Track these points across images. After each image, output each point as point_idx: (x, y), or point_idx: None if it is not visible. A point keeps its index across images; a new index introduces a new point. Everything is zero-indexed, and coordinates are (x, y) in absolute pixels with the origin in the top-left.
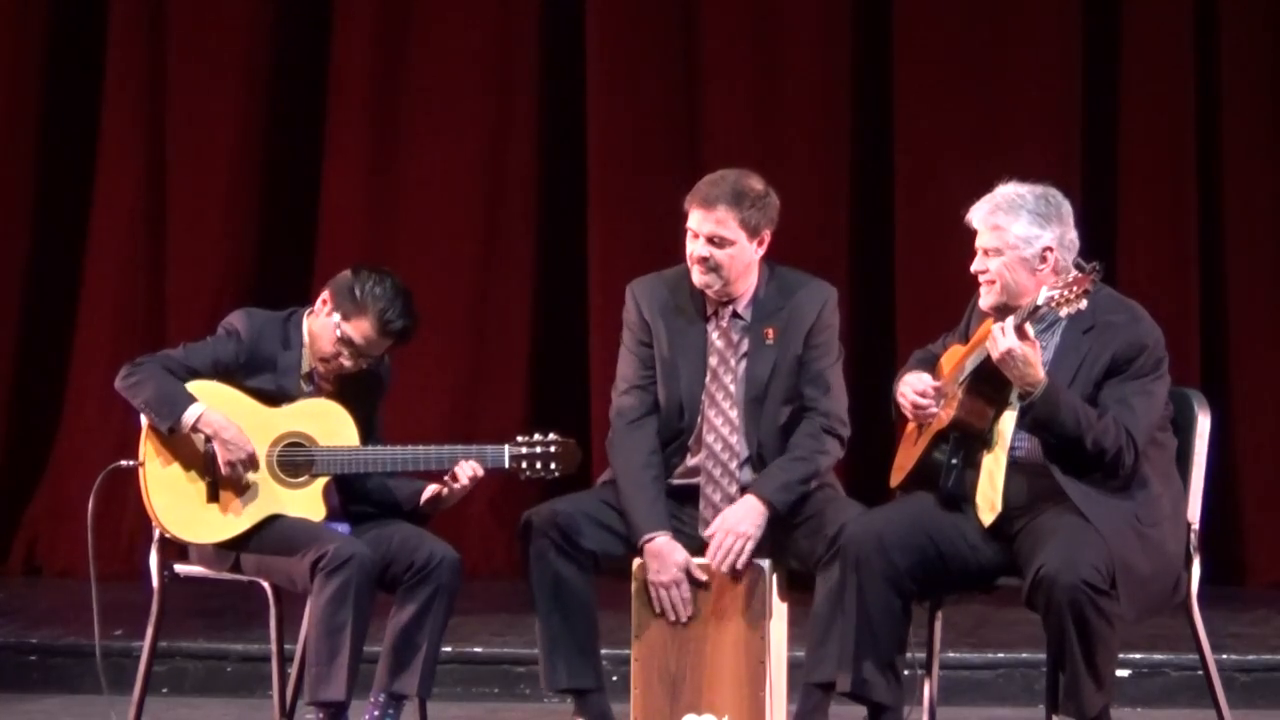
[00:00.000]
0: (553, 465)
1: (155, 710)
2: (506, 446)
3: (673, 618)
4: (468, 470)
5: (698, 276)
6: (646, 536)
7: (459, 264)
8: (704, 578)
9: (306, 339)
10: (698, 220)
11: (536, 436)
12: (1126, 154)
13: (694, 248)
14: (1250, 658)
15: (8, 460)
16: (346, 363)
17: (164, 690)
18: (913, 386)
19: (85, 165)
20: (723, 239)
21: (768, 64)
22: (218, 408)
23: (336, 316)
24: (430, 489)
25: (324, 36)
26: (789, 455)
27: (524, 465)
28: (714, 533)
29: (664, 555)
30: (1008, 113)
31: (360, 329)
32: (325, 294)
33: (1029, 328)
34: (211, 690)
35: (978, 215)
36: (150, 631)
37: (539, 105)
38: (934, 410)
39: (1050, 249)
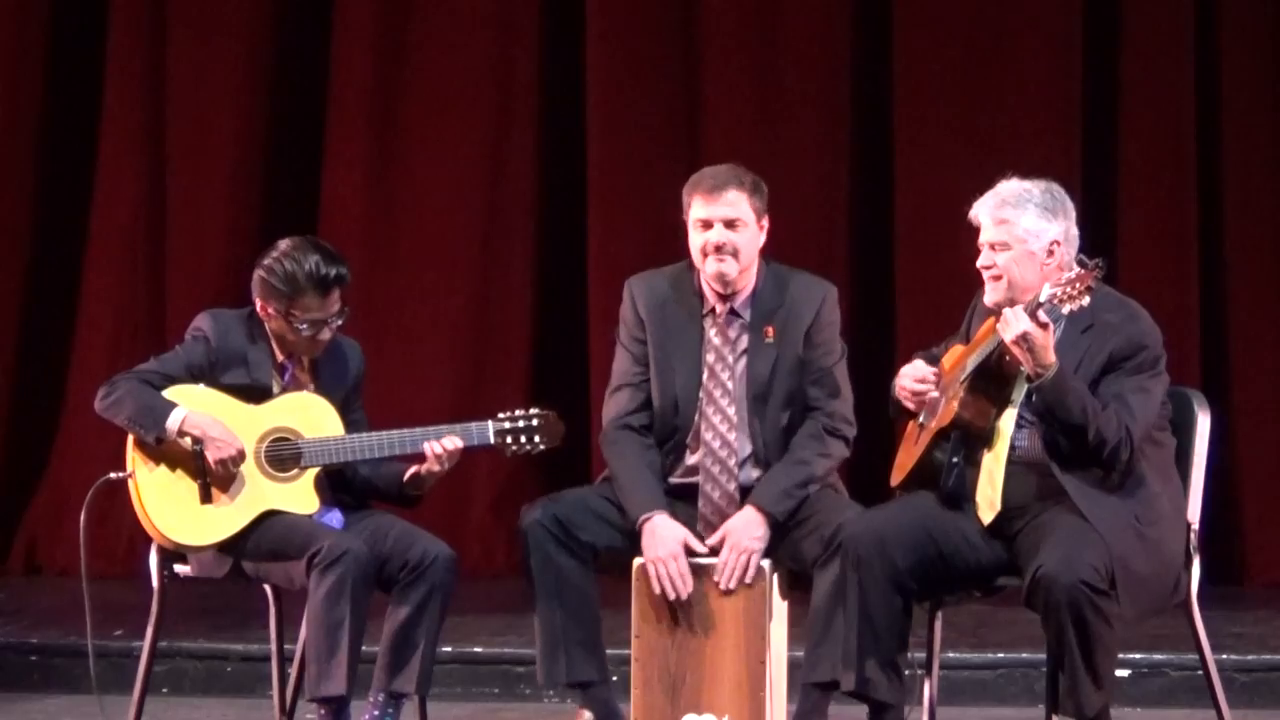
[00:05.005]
0: (537, 438)
1: (155, 710)
2: (490, 423)
3: (672, 594)
4: (442, 445)
5: (713, 265)
6: (644, 516)
7: (459, 264)
8: (703, 550)
9: (271, 334)
10: (708, 208)
11: (519, 411)
12: (1126, 154)
13: (708, 236)
14: (1250, 658)
15: (8, 460)
16: (325, 336)
17: (164, 690)
18: (910, 376)
19: (85, 165)
20: (735, 221)
21: (768, 64)
22: (200, 409)
23: (280, 315)
24: (410, 470)
25: (324, 37)
26: (788, 459)
27: (509, 440)
28: (719, 547)
29: (660, 531)
30: (1008, 112)
31: (305, 306)
32: (257, 301)
33: (1041, 314)
34: (211, 690)
35: (983, 210)
36: (150, 631)
37: (539, 105)
38: (934, 395)
39: (1057, 242)
